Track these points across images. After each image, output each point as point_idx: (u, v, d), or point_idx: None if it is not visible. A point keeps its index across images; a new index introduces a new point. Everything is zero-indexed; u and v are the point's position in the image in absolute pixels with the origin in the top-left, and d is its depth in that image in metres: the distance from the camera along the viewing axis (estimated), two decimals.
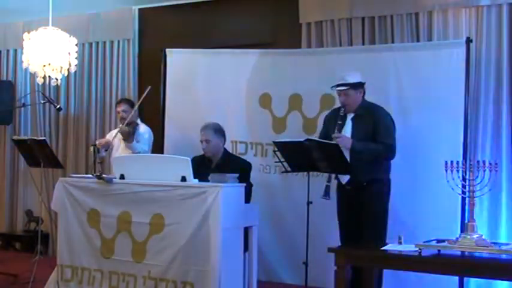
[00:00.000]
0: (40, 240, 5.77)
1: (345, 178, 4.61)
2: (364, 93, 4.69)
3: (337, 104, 5.32)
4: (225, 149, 5.06)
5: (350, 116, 4.66)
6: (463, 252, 3.64)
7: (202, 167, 4.75)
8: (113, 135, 5.51)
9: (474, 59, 5.17)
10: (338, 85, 4.61)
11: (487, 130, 5.20)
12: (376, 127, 4.55)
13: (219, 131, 4.99)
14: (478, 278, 4.67)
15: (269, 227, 5.46)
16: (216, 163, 4.94)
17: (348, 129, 4.63)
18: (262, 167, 5.66)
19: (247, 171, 4.88)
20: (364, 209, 4.58)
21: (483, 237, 3.66)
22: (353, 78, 4.60)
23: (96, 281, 4.65)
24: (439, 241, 3.78)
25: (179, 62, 6.14)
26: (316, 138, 4.57)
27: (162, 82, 6.14)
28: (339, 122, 4.59)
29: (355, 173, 4.49)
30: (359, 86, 4.63)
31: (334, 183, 4.74)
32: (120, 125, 5.53)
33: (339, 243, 4.63)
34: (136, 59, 6.86)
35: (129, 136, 5.55)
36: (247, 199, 4.64)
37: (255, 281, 4.65)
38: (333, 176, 4.64)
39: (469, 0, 5.28)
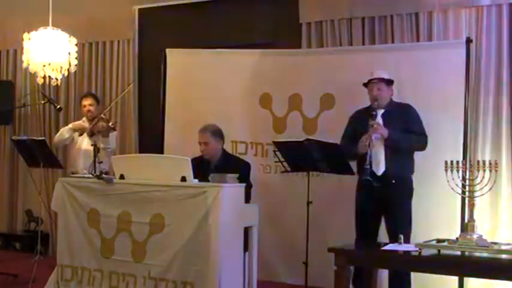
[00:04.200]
0: (40, 240, 5.76)
1: (380, 169, 4.57)
2: (392, 93, 4.78)
3: (338, 105, 5.36)
4: (223, 150, 5.05)
5: (380, 112, 4.68)
6: (463, 252, 3.64)
7: (201, 168, 4.73)
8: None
9: (474, 59, 5.17)
10: (371, 79, 4.71)
11: (487, 130, 5.20)
12: (408, 122, 4.63)
13: (218, 133, 4.97)
14: (478, 278, 4.66)
15: (269, 227, 5.46)
16: (215, 164, 4.93)
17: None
18: (262, 167, 5.66)
19: (247, 171, 4.87)
20: (391, 209, 4.59)
21: (483, 237, 3.66)
22: (385, 75, 4.73)
23: (96, 281, 4.64)
24: (439, 241, 3.77)
25: (179, 62, 6.13)
26: (316, 138, 4.57)
27: (162, 82, 6.14)
28: (373, 113, 4.61)
29: (389, 169, 4.51)
30: (390, 82, 4.75)
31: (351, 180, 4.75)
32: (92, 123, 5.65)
33: (339, 243, 4.62)
34: (136, 59, 6.86)
35: (107, 130, 5.62)
36: (247, 200, 4.64)
37: (255, 281, 4.64)
38: (368, 165, 4.52)
39: (469, 0, 5.28)
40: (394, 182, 4.55)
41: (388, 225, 4.66)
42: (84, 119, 5.97)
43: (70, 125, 5.98)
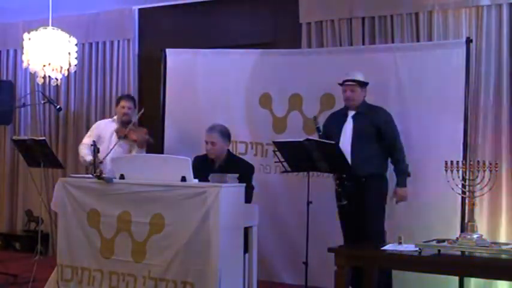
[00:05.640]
0: (40, 240, 5.76)
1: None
2: (365, 94, 4.84)
3: (338, 105, 5.36)
4: (228, 150, 5.04)
5: (351, 114, 4.79)
6: (463, 252, 3.64)
7: (205, 167, 4.74)
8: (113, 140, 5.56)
9: (474, 59, 5.17)
10: (346, 80, 4.78)
11: (487, 130, 5.20)
12: (384, 131, 4.71)
13: (226, 134, 4.96)
14: (478, 278, 4.67)
15: (269, 227, 5.46)
16: (219, 164, 4.93)
17: (348, 128, 4.74)
18: (262, 167, 5.66)
19: (250, 173, 4.87)
20: (362, 207, 4.65)
21: (483, 237, 3.66)
22: (360, 77, 4.80)
23: (96, 281, 4.64)
24: (439, 241, 3.78)
25: (179, 62, 6.13)
26: (316, 138, 4.58)
27: (162, 82, 6.14)
28: (318, 126, 4.80)
29: (355, 168, 4.55)
30: (364, 85, 4.81)
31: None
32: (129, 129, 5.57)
33: (339, 243, 4.64)
34: (136, 59, 6.86)
35: (146, 143, 5.58)
36: (248, 201, 4.63)
37: (255, 281, 4.65)
38: (334, 176, 4.70)
39: (469, 0, 5.28)
40: (364, 180, 4.62)
41: (361, 223, 4.70)
42: (115, 117, 5.88)
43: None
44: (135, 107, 5.93)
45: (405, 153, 4.77)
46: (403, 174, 4.72)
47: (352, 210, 4.68)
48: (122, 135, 5.58)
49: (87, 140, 5.79)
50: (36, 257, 5.56)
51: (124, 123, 5.70)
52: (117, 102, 5.96)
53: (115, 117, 5.90)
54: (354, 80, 4.77)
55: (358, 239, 4.66)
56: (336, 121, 4.82)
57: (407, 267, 3.92)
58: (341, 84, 4.84)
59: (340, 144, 4.63)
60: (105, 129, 5.80)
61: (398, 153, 4.74)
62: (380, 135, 4.71)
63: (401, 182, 4.71)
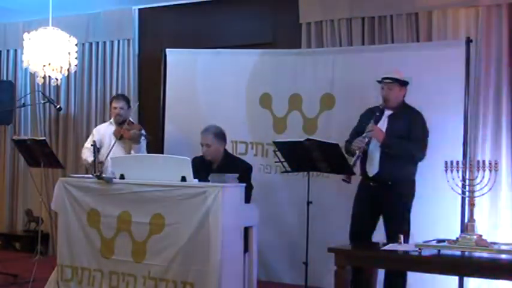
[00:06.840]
0: (40, 240, 5.76)
1: (372, 171, 4.59)
2: (405, 94, 4.70)
3: (338, 105, 5.37)
4: (225, 150, 5.04)
5: (387, 113, 4.64)
6: (463, 252, 3.64)
7: (203, 168, 4.74)
8: (112, 141, 5.49)
9: (474, 59, 5.17)
10: (385, 78, 4.63)
11: (487, 130, 5.20)
12: (411, 128, 4.56)
13: (220, 135, 4.95)
14: (478, 278, 4.67)
15: (269, 227, 5.45)
16: (217, 165, 4.92)
17: (382, 126, 4.61)
18: (262, 167, 5.66)
19: (248, 173, 4.87)
20: (387, 209, 4.58)
21: (483, 237, 3.66)
22: (398, 75, 4.64)
23: (96, 281, 4.64)
24: (439, 241, 3.78)
25: (179, 62, 6.14)
26: (316, 138, 4.57)
27: (162, 82, 6.14)
28: (377, 114, 4.58)
29: (383, 170, 4.51)
30: (404, 84, 4.66)
31: (356, 179, 4.73)
32: (123, 128, 5.48)
33: (339, 243, 4.63)
34: (136, 59, 6.86)
35: (140, 138, 5.53)
36: (247, 201, 4.63)
37: (255, 281, 4.65)
38: (359, 166, 4.61)
39: (469, 0, 5.28)
40: (390, 183, 4.53)
41: (385, 226, 4.66)
42: (111, 120, 5.86)
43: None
44: (129, 105, 5.90)
45: (420, 154, 4.57)
46: (400, 141, 4.49)
47: (372, 214, 4.62)
48: (118, 135, 5.57)
49: (89, 144, 5.79)
50: (36, 257, 5.56)
51: (120, 124, 5.69)
52: (110, 104, 5.95)
53: (111, 119, 5.89)
54: (392, 78, 4.61)
55: (365, 238, 4.63)
56: (372, 117, 4.64)
57: (407, 267, 3.93)
58: (380, 82, 4.69)
59: (371, 144, 4.57)
60: (104, 133, 5.80)
61: (412, 144, 4.51)
62: (410, 139, 4.55)
63: (390, 137, 4.48)
